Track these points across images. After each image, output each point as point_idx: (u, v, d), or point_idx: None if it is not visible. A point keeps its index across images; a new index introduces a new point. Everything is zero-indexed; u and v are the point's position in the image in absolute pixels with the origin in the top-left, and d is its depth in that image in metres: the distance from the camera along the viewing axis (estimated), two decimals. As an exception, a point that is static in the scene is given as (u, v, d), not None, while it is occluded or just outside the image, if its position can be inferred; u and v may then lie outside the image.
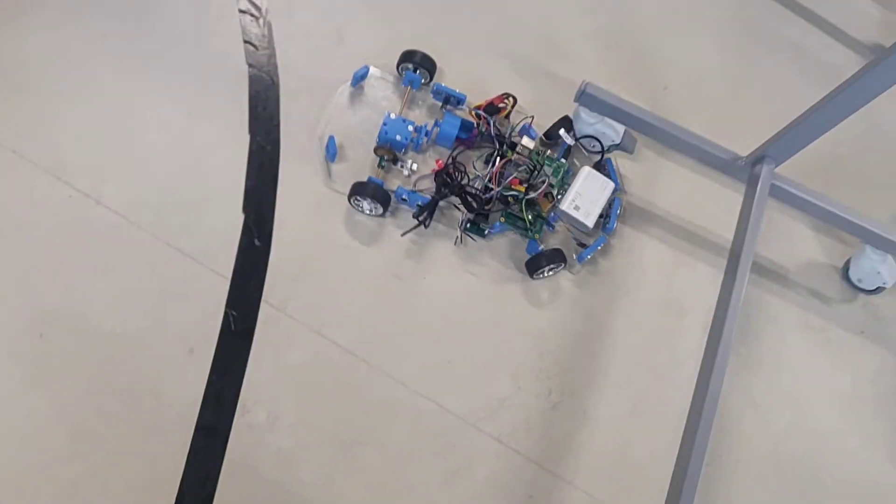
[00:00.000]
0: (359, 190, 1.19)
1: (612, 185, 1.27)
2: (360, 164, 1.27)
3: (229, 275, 1.16)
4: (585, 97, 1.26)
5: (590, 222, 1.24)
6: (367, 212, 1.23)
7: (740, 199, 1.25)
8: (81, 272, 1.14)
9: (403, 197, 1.22)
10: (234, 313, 1.14)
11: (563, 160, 1.28)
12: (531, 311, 1.25)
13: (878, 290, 1.38)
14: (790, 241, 1.42)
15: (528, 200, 1.23)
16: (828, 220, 1.32)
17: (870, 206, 1.40)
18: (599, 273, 1.30)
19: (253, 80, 1.29)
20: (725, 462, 1.24)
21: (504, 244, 1.28)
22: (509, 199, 1.23)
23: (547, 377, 1.22)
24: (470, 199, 1.22)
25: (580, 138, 1.31)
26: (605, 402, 1.23)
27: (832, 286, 1.41)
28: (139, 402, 1.09)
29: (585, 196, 1.25)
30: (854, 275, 1.39)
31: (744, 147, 1.28)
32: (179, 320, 1.13)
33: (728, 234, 1.29)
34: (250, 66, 1.30)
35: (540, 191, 1.22)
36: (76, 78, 1.25)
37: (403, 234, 1.23)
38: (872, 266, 1.35)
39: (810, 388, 1.33)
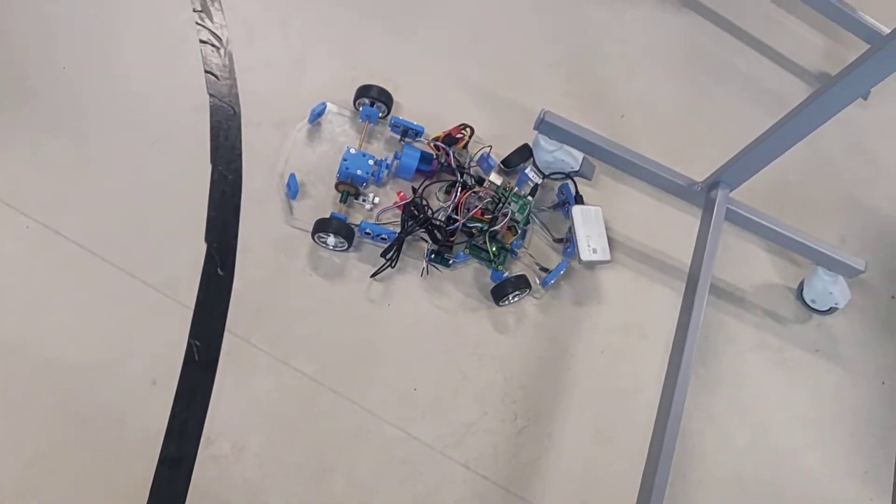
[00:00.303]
0: (322, 227, 1.19)
1: (598, 208, 1.32)
2: (322, 199, 1.27)
3: (192, 305, 1.15)
4: (545, 125, 1.29)
5: (608, 256, 1.30)
6: (332, 247, 1.23)
7: (696, 222, 1.29)
8: (39, 303, 1.12)
9: (367, 231, 1.22)
10: (197, 343, 1.13)
11: (529, 198, 1.30)
12: (496, 337, 1.26)
13: (830, 310, 1.42)
14: (745, 263, 1.46)
15: (491, 233, 1.24)
16: (781, 243, 1.36)
17: (819, 229, 1.45)
18: (562, 297, 1.31)
19: (214, 110, 1.29)
20: (689, 481, 1.26)
21: (469, 272, 1.29)
22: (473, 230, 1.25)
23: (513, 402, 1.23)
24: (435, 231, 1.23)
25: (547, 176, 1.34)
26: (570, 425, 1.24)
27: (787, 307, 1.44)
28: (100, 435, 1.06)
29: (592, 235, 1.29)
30: (808, 295, 1.43)
31: (698, 173, 1.31)
32: (142, 351, 1.12)
33: (685, 258, 1.32)
34: (211, 96, 1.30)
35: (503, 223, 1.24)
36: (41, 109, 1.24)
37: (373, 276, 1.23)
38: (825, 287, 1.39)
39: (769, 407, 1.36)
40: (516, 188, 1.31)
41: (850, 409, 1.39)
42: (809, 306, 1.44)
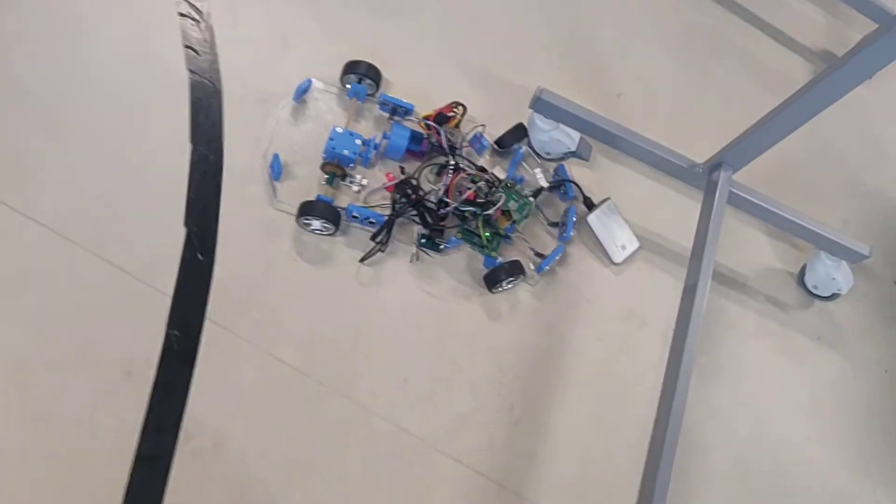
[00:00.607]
0: (307, 210, 1.13)
1: (609, 201, 1.31)
2: (307, 181, 1.21)
3: (171, 292, 1.09)
4: (540, 104, 1.23)
5: (636, 242, 1.31)
6: (318, 231, 1.17)
7: (696, 205, 1.24)
8: (5, 290, 1.05)
9: (354, 214, 1.17)
10: (176, 333, 1.07)
11: (531, 199, 1.24)
12: (490, 325, 1.21)
13: (833, 296, 1.38)
14: (745, 247, 1.42)
15: (485, 217, 1.19)
16: (784, 227, 1.32)
17: (821, 213, 1.40)
18: (558, 283, 1.26)
19: (194, 87, 1.22)
20: (689, 471, 1.22)
21: (461, 258, 1.23)
22: (466, 214, 1.19)
23: (508, 392, 1.18)
24: (426, 214, 1.17)
25: (553, 185, 1.30)
26: (567, 415, 1.19)
27: (789, 293, 1.40)
28: (68, 433, 1.00)
29: (615, 232, 1.30)
30: (810, 281, 1.38)
31: (698, 153, 1.26)
32: (116, 342, 1.05)
33: (683, 241, 1.28)
34: (191, 72, 1.24)
35: (497, 207, 1.18)
36: (4, 84, 1.17)
37: (363, 261, 1.17)
38: (827, 272, 1.34)
39: (770, 396, 1.32)
40: (517, 185, 1.25)
41: (852, 399, 1.35)
42: (811, 292, 1.39)
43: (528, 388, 1.19)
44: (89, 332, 1.05)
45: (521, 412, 1.18)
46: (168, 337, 1.07)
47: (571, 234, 1.26)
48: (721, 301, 1.35)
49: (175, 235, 1.13)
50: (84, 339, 1.05)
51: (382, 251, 1.17)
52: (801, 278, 1.40)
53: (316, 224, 1.15)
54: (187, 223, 1.14)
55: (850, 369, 1.37)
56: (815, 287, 1.38)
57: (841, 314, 1.41)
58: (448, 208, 1.17)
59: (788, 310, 1.38)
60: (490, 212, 1.18)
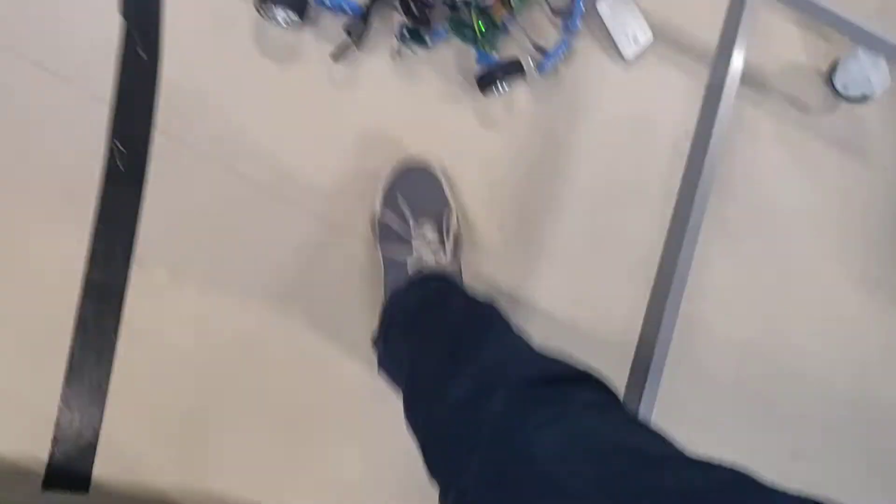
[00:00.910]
0: (269, -4, 0.94)
1: None
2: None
3: (109, 98, 0.93)
4: None
5: (650, 36, 1.12)
6: (282, 23, 0.98)
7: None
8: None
9: (325, 0, 0.98)
10: (120, 147, 0.92)
11: None
12: (481, 133, 1.07)
13: (863, 97, 1.23)
14: (771, 39, 1.24)
15: (479, 8, 1.00)
16: (819, 17, 1.14)
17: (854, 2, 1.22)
18: (561, 84, 1.10)
19: None
20: (696, 293, 1.13)
21: (449, 54, 1.06)
22: (457, 2, 1.00)
23: (499, 207, 1.06)
24: (411, 2, 0.98)
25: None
26: (564, 232, 1.08)
27: (814, 93, 1.25)
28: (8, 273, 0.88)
29: (627, 22, 1.11)
30: (840, 80, 1.23)
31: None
32: (48, 158, 0.90)
33: (705, 34, 1.11)
34: None
35: (495, -9, 0.99)
36: None
37: (334, 56, 1.00)
38: (862, 70, 1.19)
39: (782, 208, 1.21)
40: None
41: (873, 211, 1.25)
42: (839, 92, 1.24)
43: (520, 202, 1.07)
44: (17, 147, 0.90)
45: (512, 232, 1.06)
46: (111, 152, 0.92)
47: (579, 25, 1.08)
48: (737, 102, 1.20)
49: (110, 27, 0.94)
50: (13, 156, 0.90)
51: (357, 47, 1.00)
52: (829, 77, 1.25)
53: (279, 13, 0.97)
54: (124, 11, 0.95)
55: (868, 178, 1.26)
56: (845, 87, 1.23)
57: (870, 119, 1.27)
58: (435, -6, 0.99)
59: (811, 112, 1.24)
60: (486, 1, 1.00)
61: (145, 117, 0.93)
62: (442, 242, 0.96)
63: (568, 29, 1.08)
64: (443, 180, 1.00)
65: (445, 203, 0.99)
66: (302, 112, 1.00)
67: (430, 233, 0.95)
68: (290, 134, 0.99)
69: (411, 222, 0.95)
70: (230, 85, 0.98)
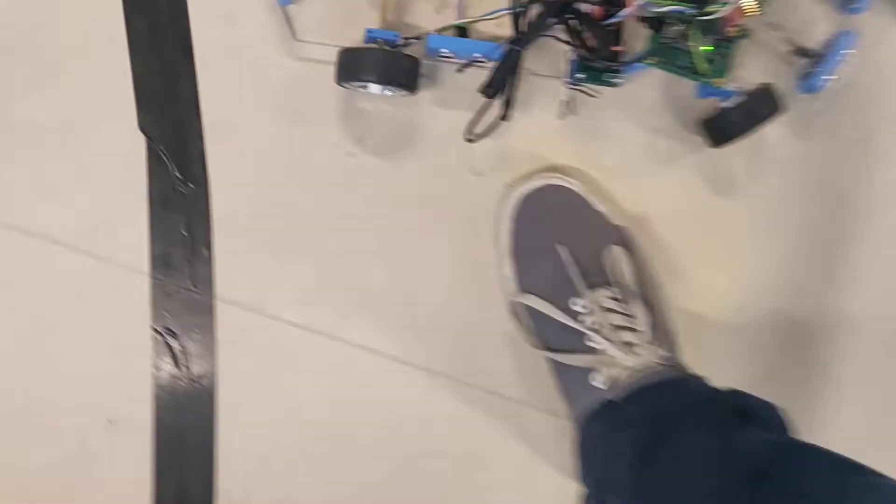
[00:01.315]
0: (352, 64, 0.58)
1: None
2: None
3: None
4: None
5: None
6: (382, 94, 0.62)
7: None
8: None
9: (442, 50, 0.60)
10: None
11: None
12: (715, 202, 0.67)
13: None
14: None
15: (705, 22, 0.57)
16: None
17: None
18: (840, 106, 0.66)
19: None
20: None
21: (650, 85, 0.65)
22: (664, 17, 0.59)
23: (753, 320, 0.68)
24: (584, 25, 0.58)
25: None
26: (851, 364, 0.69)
27: None
28: None
29: None
30: None
31: None
32: None
33: None
34: None
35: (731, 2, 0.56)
36: None
37: (471, 139, 0.62)
38: None
39: None
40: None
41: None
42: None
43: (784, 314, 0.68)
44: None
45: (772, 353, 0.68)
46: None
47: (865, 4, 0.63)
48: None
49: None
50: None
51: (505, 118, 0.62)
52: None
53: (373, 87, 0.61)
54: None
55: None
56: None
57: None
58: (626, 10, 0.57)
59: None
60: (716, 10, 0.57)
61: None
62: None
63: (850, 7, 0.64)
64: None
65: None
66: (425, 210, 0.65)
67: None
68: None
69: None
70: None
